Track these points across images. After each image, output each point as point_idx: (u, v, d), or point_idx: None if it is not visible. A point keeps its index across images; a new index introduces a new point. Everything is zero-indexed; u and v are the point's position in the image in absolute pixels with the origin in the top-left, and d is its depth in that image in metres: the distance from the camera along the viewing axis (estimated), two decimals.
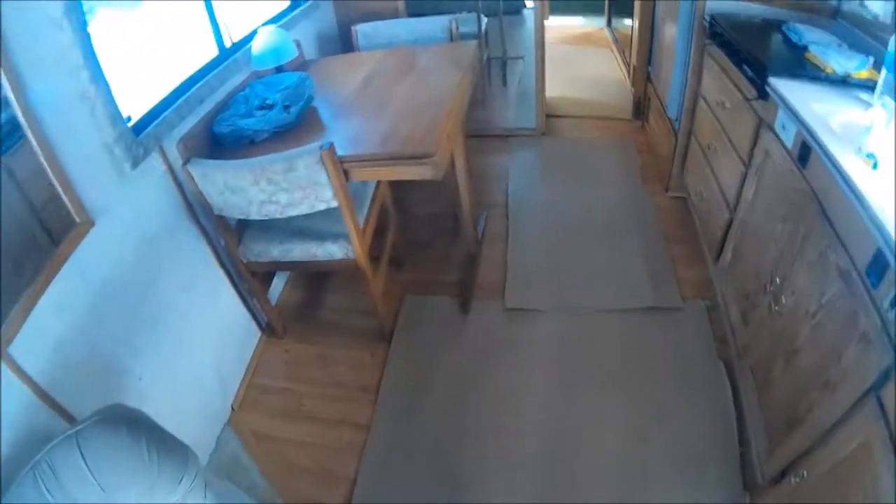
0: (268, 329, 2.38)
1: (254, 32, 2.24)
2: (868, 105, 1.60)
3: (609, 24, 5.51)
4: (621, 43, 4.87)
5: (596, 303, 2.38)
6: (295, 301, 2.58)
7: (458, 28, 2.64)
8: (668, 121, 2.91)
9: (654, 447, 1.85)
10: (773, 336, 1.64)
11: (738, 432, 1.83)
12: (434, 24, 2.66)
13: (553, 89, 3.60)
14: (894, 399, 1.02)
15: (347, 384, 2.19)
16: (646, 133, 3.57)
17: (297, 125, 1.99)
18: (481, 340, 2.28)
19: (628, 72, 4.25)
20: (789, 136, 1.59)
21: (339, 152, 1.73)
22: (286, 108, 1.97)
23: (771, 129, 1.73)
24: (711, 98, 2.34)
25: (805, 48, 1.93)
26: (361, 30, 2.67)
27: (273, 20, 2.53)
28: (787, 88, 1.67)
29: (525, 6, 4.91)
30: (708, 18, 2.36)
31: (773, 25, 2.19)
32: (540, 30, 3.24)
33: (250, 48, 2.21)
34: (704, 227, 2.47)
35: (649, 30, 3.39)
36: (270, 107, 1.96)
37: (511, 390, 2.08)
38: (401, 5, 3.01)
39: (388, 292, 2.41)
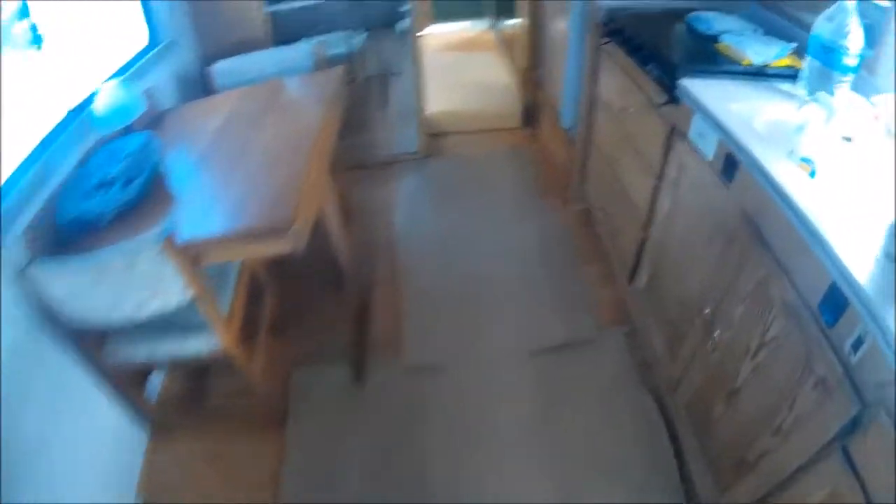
0: (152, 430, 2.05)
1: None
2: (791, 97, 1.53)
3: (494, 25, 5.47)
4: (508, 44, 4.82)
5: (504, 345, 2.20)
6: (178, 392, 2.23)
7: (326, 52, 2.42)
8: (561, 129, 2.80)
9: (591, 499, 1.71)
10: (708, 373, 1.53)
11: (680, 472, 1.73)
12: (298, 53, 2.43)
13: (437, 103, 3.46)
14: (864, 451, 0.93)
15: (242, 483, 1.90)
16: (539, 141, 3.48)
17: (144, 198, 1.69)
18: (385, 410, 2.03)
19: (515, 74, 4.19)
20: (709, 146, 1.46)
21: (186, 235, 1.45)
22: (128, 182, 1.66)
23: (685, 137, 1.60)
24: (612, 103, 2.23)
25: (715, 38, 1.84)
26: (219, 69, 2.38)
27: (122, 70, 2.20)
28: (700, 89, 1.56)
29: (407, 16, 4.72)
30: (603, 13, 2.24)
31: (677, 16, 2.11)
32: (414, 42, 3.08)
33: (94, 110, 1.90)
34: (614, 244, 2.36)
35: (537, 29, 3.30)
36: (111, 183, 1.65)
37: (428, 462, 1.86)
38: (266, 36, 2.73)
39: (273, 369, 2.14)
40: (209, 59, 2.55)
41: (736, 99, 1.50)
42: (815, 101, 1.39)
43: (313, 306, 2.45)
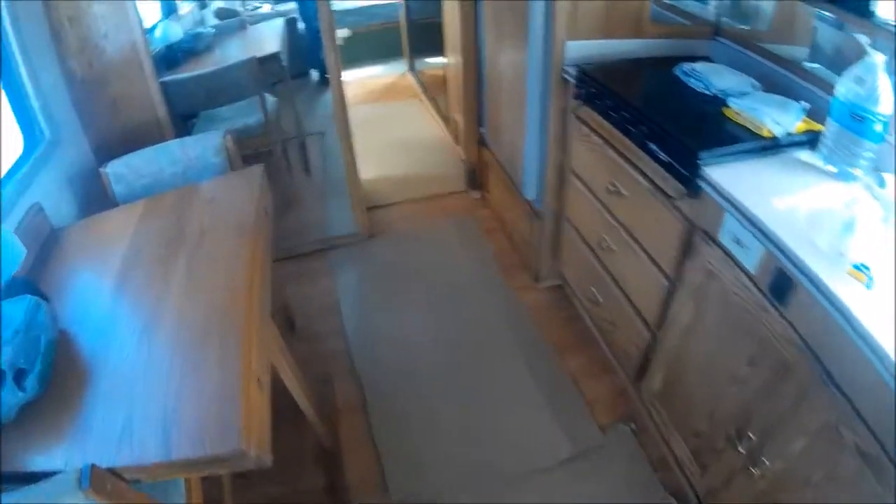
0: None
1: None
2: (820, 173, 1.49)
3: (412, 67, 5.37)
4: (431, 89, 4.73)
5: (503, 467, 2.05)
6: None
7: (233, 143, 2.16)
8: (522, 198, 2.70)
9: None
10: (753, 493, 1.46)
11: None
12: (203, 147, 2.18)
13: (367, 169, 3.22)
14: None
15: None
16: (490, 207, 3.36)
17: (45, 395, 1.38)
18: None
19: (447, 124, 4.10)
20: (751, 258, 1.35)
21: (106, 461, 1.16)
22: (20, 375, 1.35)
23: (713, 240, 1.49)
24: (593, 182, 2.12)
25: (722, 102, 1.75)
26: (113, 173, 2.09)
27: None
28: (730, 180, 1.44)
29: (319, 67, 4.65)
30: (571, 70, 2.12)
31: (660, 70, 2.05)
32: (336, 93, 2.81)
33: None
34: (608, 337, 2.25)
35: (475, 78, 3.17)
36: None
37: None
38: (162, 113, 2.47)
39: None
40: (102, 151, 2.32)
41: (773, 190, 1.40)
42: (871, 191, 1.32)
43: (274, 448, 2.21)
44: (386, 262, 3.03)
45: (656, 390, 1.92)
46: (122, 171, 2.13)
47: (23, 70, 2.08)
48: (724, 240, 1.45)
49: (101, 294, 1.64)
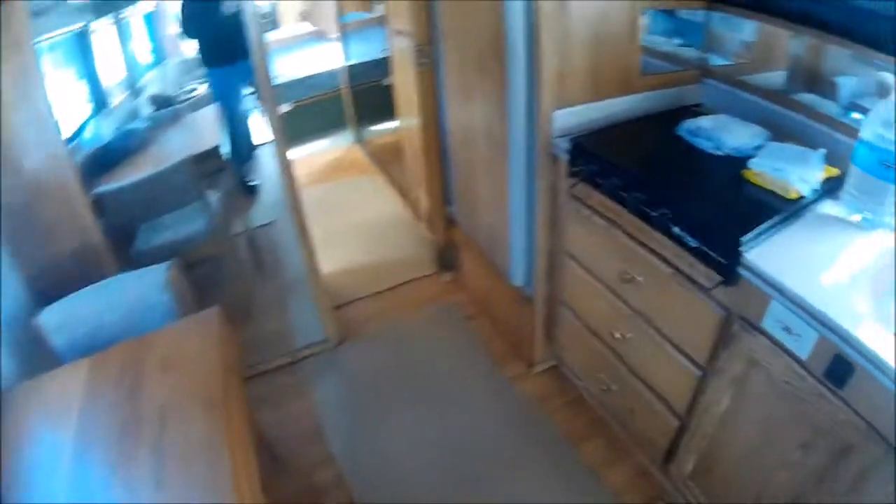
0: None
1: None
2: (849, 227, 1.56)
3: (359, 138, 5.38)
4: (382, 161, 4.75)
5: None
6: None
7: (179, 275, 2.09)
8: (507, 282, 2.70)
9: None
10: None
11: None
12: (145, 286, 2.06)
13: (325, 261, 3.14)
14: None
15: None
16: (465, 289, 3.38)
17: None
18: None
19: (406, 199, 4.11)
20: (804, 345, 1.38)
21: None
22: None
23: (755, 328, 1.52)
24: (598, 265, 2.12)
25: (739, 162, 1.77)
26: (49, 324, 1.96)
27: None
28: (766, 259, 1.46)
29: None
30: (562, 144, 2.08)
31: (662, 130, 2.07)
32: (289, 182, 2.69)
33: None
34: (625, 423, 2.28)
35: (437, 149, 3.14)
36: None
37: None
38: (98, 238, 2.36)
39: None
40: (38, 287, 2.21)
41: (814, 262, 1.44)
42: None
43: None
44: (365, 369, 2.94)
45: (689, 472, 1.95)
46: (58, 320, 2.01)
47: None
48: (770, 327, 1.47)
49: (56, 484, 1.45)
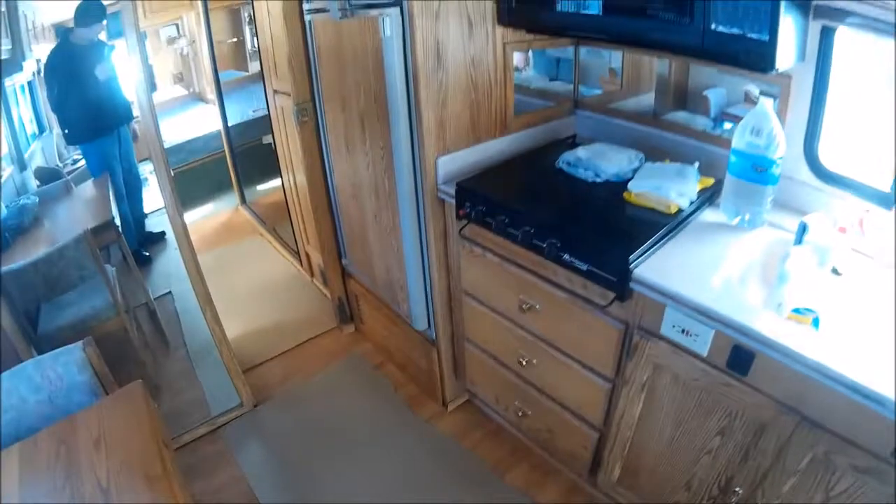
0: None
1: None
2: (729, 231, 1.72)
3: (244, 200, 5.31)
4: (270, 220, 4.73)
5: None
6: None
7: (95, 353, 2.01)
8: (409, 328, 2.76)
9: None
10: None
11: None
12: (63, 365, 1.92)
13: (228, 326, 3.05)
14: None
15: None
16: (368, 338, 3.41)
17: None
18: None
19: (298, 258, 4.12)
20: (701, 343, 1.51)
21: None
22: None
23: (654, 335, 1.65)
24: (495, 299, 2.20)
25: (619, 187, 1.92)
26: None
27: None
28: (654, 272, 1.58)
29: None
30: (447, 189, 2.16)
31: (543, 165, 2.19)
32: (187, 245, 2.70)
33: None
34: (546, 444, 2.36)
35: (326, 206, 3.18)
36: None
37: None
38: (7, 321, 2.22)
39: None
40: None
41: (700, 267, 1.58)
42: (809, 242, 1.54)
43: None
44: (285, 429, 2.89)
45: (616, 478, 2.05)
46: None
47: None
48: (668, 332, 1.59)
49: None
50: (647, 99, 2.29)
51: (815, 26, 1.59)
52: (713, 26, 1.46)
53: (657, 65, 2.23)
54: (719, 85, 2.03)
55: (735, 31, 1.43)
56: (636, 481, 1.98)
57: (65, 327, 2.80)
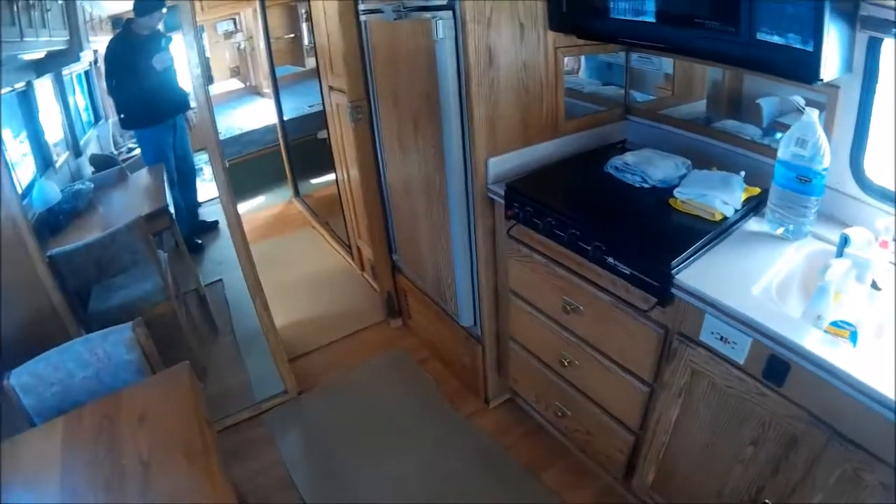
0: None
1: None
2: (773, 241, 1.72)
3: (297, 192, 5.40)
4: (322, 214, 4.80)
5: None
6: None
7: (144, 334, 2.10)
8: (455, 324, 2.81)
9: None
10: None
11: None
12: (112, 345, 2.06)
13: (277, 316, 3.13)
14: None
15: None
16: (414, 334, 3.46)
17: None
18: None
19: (349, 252, 4.18)
20: (739, 351, 1.53)
21: None
22: None
23: (693, 341, 1.66)
24: (541, 300, 2.22)
25: (665, 193, 1.94)
26: (19, 383, 1.99)
27: None
28: (697, 278, 1.60)
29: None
30: (497, 189, 2.20)
31: (591, 169, 2.20)
32: (239, 234, 2.75)
33: None
34: (583, 446, 2.39)
35: (379, 202, 3.23)
36: None
37: None
38: (57, 298, 2.35)
39: None
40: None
41: (742, 276, 1.59)
42: (849, 255, 1.53)
43: None
44: (327, 418, 2.96)
45: (650, 483, 2.06)
46: (27, 381, 2.02)
47: None
48: (707, 339, 1.61)
49: None
50: (699, 106, 2.30)
51: (861, 37, 1.57)
52: (758, 35, 1.47)
53: (710, 72, 2.23)
54: (773, 94, 2.02)
55: (780, 40, 1.44)
56: (669, 486, 1.98)
57: (114, 308, 2.91)
